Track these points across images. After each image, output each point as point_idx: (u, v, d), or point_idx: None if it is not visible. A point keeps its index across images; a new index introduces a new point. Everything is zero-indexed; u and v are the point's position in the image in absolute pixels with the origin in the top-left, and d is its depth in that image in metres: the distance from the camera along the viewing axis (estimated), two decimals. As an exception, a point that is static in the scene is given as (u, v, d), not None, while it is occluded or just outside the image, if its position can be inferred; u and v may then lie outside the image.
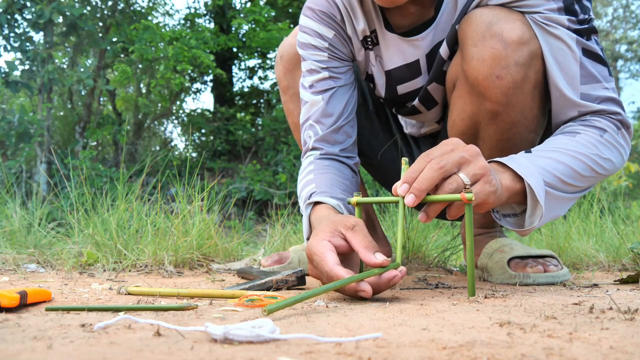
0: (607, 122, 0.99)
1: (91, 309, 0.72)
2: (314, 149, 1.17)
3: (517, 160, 0.90)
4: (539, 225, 0.93)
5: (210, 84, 9.27)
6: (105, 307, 0.73)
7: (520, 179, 0.89)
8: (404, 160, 0.86)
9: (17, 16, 5.76)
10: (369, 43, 1.15)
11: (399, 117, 1.36)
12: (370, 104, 1.36)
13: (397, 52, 1.13)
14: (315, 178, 1.09)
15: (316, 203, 1.02)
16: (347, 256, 0.86)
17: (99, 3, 7.15)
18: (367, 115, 1.36)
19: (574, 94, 0.98)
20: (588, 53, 0.97)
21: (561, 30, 0.96)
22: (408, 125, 1.35)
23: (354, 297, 0.81)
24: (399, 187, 0.80)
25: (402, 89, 1.18)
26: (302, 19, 1.18)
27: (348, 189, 1.09)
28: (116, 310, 0.72)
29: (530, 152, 0.94)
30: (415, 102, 1.19)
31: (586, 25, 0.97)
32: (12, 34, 5.76)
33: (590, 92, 0.99)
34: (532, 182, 0.88)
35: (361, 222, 0.85)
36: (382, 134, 1.37)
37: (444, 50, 1.08)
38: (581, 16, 0.96)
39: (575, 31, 0.96)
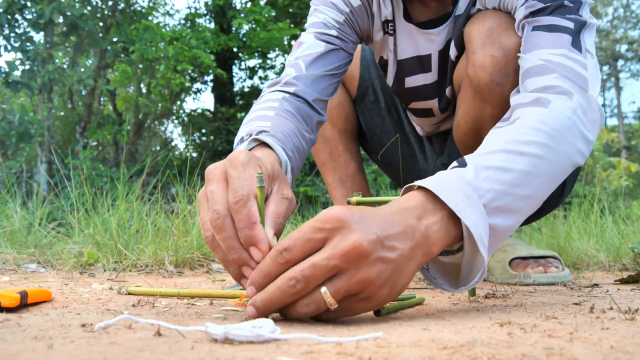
0: (555, 95, 0.77)
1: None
2: (287, 84, 1.00)
3: (454, 188, 0.64)
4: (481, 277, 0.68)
5: (211, 84, 9.28)
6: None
7: (457, 220, 0.64)
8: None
9: (17, 16, 5.76)
10: (390, 28, 1.12)
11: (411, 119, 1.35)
12: (382, 102, 1.35)
13: (411, 42, 1.11)
14: (273, 117, 0.90)
15: (264, 143, 0.81)
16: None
17: (99, 3, 7.16)
18: (379, 112, 1.35)
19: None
20: (540, 27, 0.86)
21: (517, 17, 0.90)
22: (420, 127, 1.33)
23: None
24: (247, 286, 0.61)
25: (409, 81, 1.16)
26: None
27: (300, 150, 0.92)
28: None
29: (465, 164, 0.68)
30: (434, 107, 1.18)
31: (549, 3, 0.86)
32: (12, 34, 5.77)
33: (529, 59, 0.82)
34: (472, 221, 0.63)
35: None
36: (394, 132, 1.37)
37: (453, 52, 1.07)
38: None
39: (531, 14, 0.87)
